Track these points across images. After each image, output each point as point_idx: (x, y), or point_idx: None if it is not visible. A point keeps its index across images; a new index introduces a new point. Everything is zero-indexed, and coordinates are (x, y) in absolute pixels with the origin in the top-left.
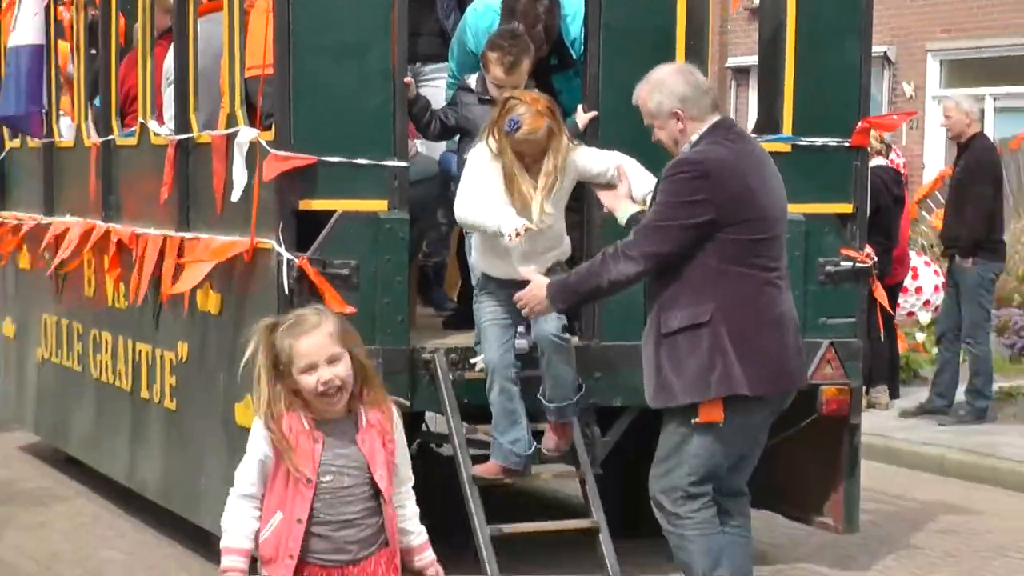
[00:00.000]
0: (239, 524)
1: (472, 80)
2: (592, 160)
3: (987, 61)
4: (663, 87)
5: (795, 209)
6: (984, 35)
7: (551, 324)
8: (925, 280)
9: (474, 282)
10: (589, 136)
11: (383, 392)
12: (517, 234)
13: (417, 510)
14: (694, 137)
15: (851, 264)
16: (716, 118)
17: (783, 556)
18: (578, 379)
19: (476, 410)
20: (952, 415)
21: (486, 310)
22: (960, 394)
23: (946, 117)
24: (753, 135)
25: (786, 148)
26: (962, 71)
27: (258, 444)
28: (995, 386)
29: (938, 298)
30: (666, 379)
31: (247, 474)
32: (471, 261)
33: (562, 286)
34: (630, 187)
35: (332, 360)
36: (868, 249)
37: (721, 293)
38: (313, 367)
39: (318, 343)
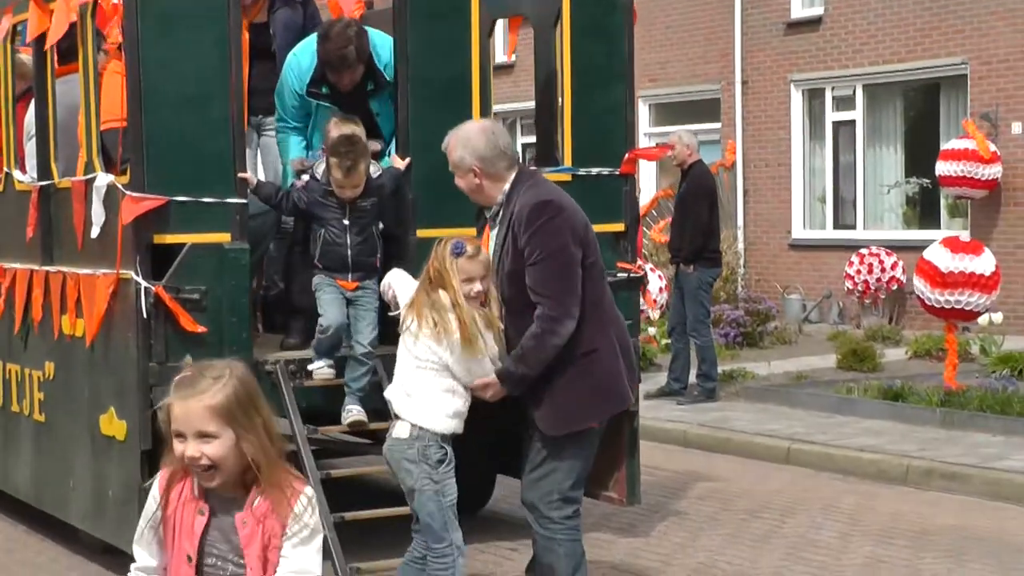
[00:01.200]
0: None
1: (319, 171)
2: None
3: (685, 104)
4: (467, 144)
5: None
6: (681, 83)
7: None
8: (651, 283)
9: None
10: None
11: (288, 478)
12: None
13: None
14: (505, 188)
15: (627, 275)
16: (514, 173)
17: None
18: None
19: (313, 413)
20: (687, 396)
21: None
22: (692, 378)
23: (671, 148)
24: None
25: (567, 177)
26: (667, 112)
27: (149, 504)
28: (719, 369)
29: (663, 298)
30: (564, 406)
31: (139, 542)
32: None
33: (519, 379)
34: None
35: (202, 436)
36: (640, 261)
37: (598, 317)
38: (181, 436)
39: (189, 413)
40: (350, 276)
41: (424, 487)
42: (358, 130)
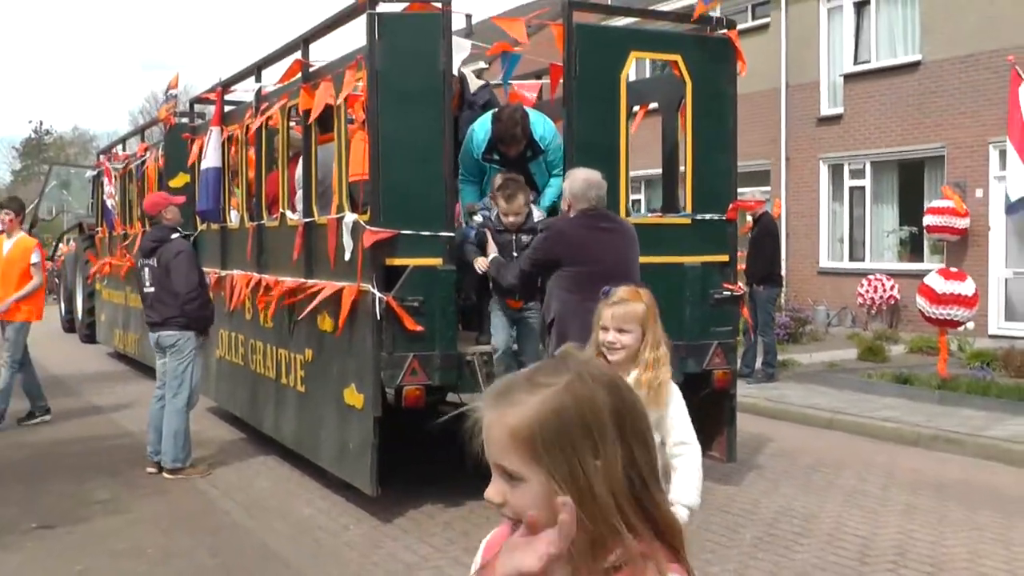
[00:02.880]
0: None
1: (492, 213)
2: None
3: (746, 173)
4: (573, 180)
5: (693, 260)
6: (743, 159)
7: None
8: None
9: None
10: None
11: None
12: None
13: None
14: (572, 214)
15: (729, 293)
16: (586, 206)
17: None
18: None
19: None
20: (754, 377)
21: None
22: (758, 364)
23: (762, 203)
24: (659, 213)
25: (687, 221)
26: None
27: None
28: (778, 358)
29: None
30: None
31: None
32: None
33: (496, 265)
34: None
35: (505, 474)
36: (739, 282)
37: (566, 300)
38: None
39: (490, 434)
40: (516, 296)
41: None
42: (517, 175)
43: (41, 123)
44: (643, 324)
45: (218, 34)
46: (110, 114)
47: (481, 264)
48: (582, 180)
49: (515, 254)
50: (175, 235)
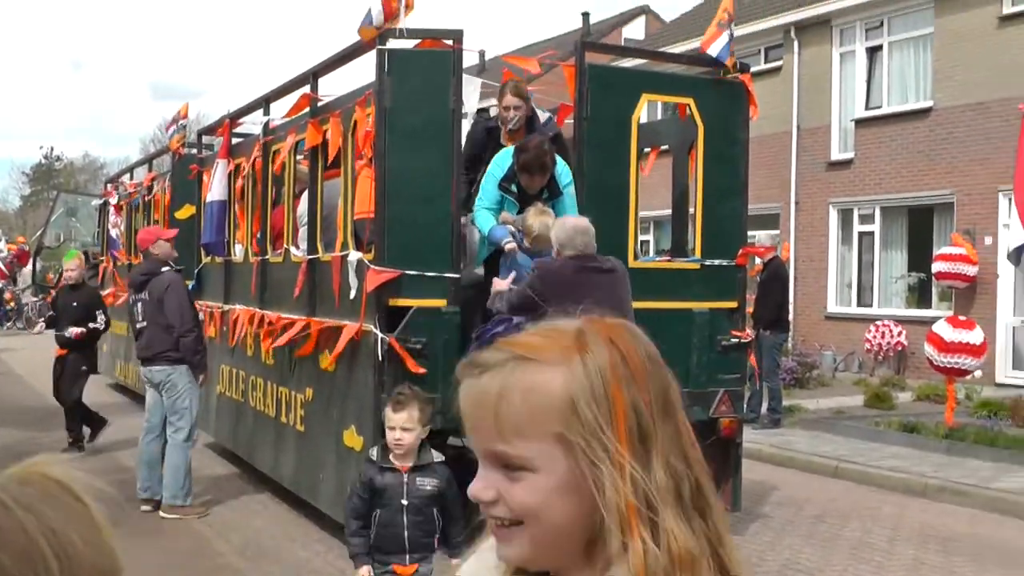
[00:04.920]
0: None
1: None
2: None
3: (756, 217)
4: (560, 228)
5: (702, 306)
6: (753, 202)
7: None
8: None
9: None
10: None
11: None
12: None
13: None
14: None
15: (737, 340)
16: (572, 252)
17: None
18: None
19: None
20: (759, 423)
21: None
22: (763, 410)
23: (773, 249)
24: (668, 257)
25: (696, 266)
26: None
27: None
28: (784, 404)
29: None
30: None
31: None
32: None
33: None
34: None
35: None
36: (748, 329)
37: None
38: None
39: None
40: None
41: None
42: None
43: (52, 149)
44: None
45: (235, 63)
46: (121, 141)
47: (499, 284)
48: (569, 227)
49: None
50: (165, 268)
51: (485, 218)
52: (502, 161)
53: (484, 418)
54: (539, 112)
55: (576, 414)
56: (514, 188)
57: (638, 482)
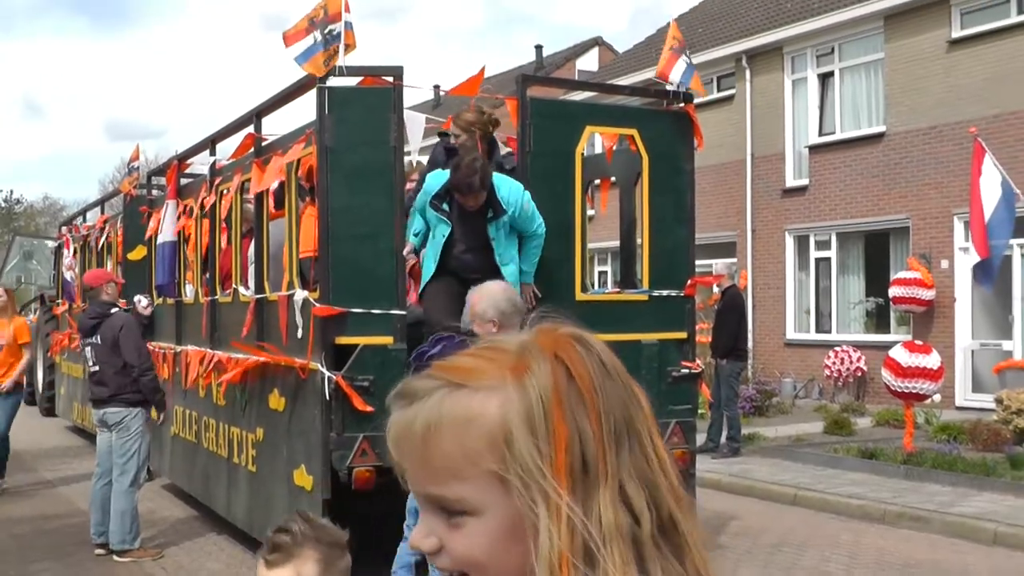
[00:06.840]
0: None
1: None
2: None
3: (712, 245)
4: (492, 299)
5: (651, 337)
6: (708, 230)
7: None
8: None
9: None
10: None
11: None
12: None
13: None
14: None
15: (688, 371)
16: (516, 327)
17: None
18: None
19: None
20: (719, 452)
21: None
22: (722, 439)
23: (722, 278)
24: (617, 289)
25: (645, 297)
26: (700, 251)
27: None
28: (743, 432)
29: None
30: None
31: None
32: None
33: None
34: None
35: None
36: (697, 360)
37: None
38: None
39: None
40: None
41: None
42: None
43: (12, 192)
44: None
45: (196, 101)
46: (81, 182)
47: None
48: (503, 293)
49: None
50: (114, 310)
51: (412, 219)
52: (438, 180)
53: (414, 457)
54: (500, 145)
55: (511, 449)
56: (445, 207)
57: (576, 527)
